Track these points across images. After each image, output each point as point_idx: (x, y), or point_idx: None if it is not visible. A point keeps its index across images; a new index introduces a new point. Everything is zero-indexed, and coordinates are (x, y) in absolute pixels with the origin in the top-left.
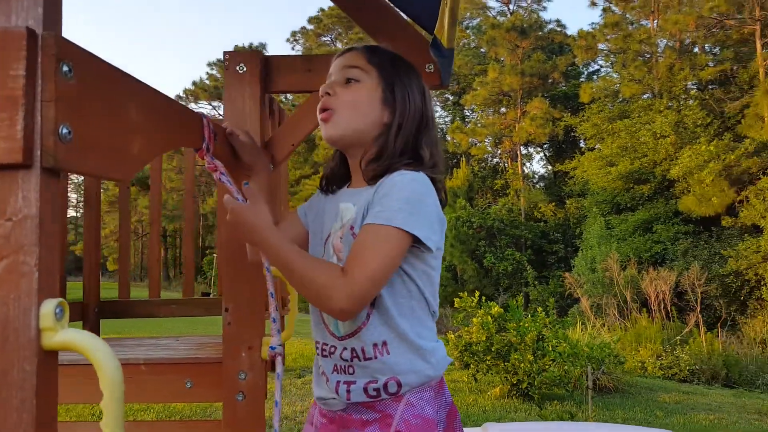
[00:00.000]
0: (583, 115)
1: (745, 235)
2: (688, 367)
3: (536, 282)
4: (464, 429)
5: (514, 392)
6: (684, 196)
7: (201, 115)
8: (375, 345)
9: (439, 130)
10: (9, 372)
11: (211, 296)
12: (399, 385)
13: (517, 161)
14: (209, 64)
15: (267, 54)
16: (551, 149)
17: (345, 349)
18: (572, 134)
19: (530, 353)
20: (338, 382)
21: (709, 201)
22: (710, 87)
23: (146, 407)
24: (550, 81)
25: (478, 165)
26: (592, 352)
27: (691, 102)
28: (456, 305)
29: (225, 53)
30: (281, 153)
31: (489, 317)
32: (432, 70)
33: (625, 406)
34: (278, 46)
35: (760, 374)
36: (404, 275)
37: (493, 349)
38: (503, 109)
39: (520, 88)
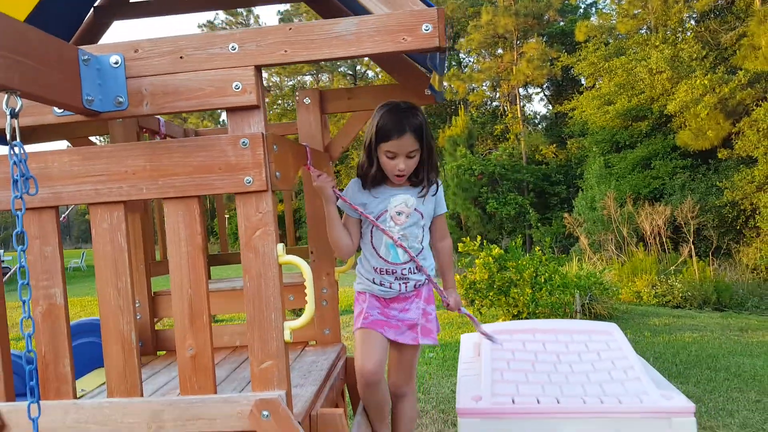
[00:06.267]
0: (579, 54)
1: (741, 166)
2: (680, 294)
3: (539, 224)
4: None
5: None
6: (681, 131)
7: (305, 146)
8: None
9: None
10: (267, 273)
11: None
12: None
13: (516, 104)
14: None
15: (321, 90)
16: (551, 89)
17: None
18: (570, 73)
19: (528, 287)
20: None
21: (705, 134)
22: (706, 18)
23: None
24: (545, 19)
25: (476, 111)
26: (580, 282)
27: (687, 35)
28: (460, 250)
29: (296, 91)
30: (336, 153)
31: (490, 258)
32: (429, 94)
33: None
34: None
35: (749, 297)
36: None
37: (494, 286)
38: (500, 51)
39: (515, 29)
